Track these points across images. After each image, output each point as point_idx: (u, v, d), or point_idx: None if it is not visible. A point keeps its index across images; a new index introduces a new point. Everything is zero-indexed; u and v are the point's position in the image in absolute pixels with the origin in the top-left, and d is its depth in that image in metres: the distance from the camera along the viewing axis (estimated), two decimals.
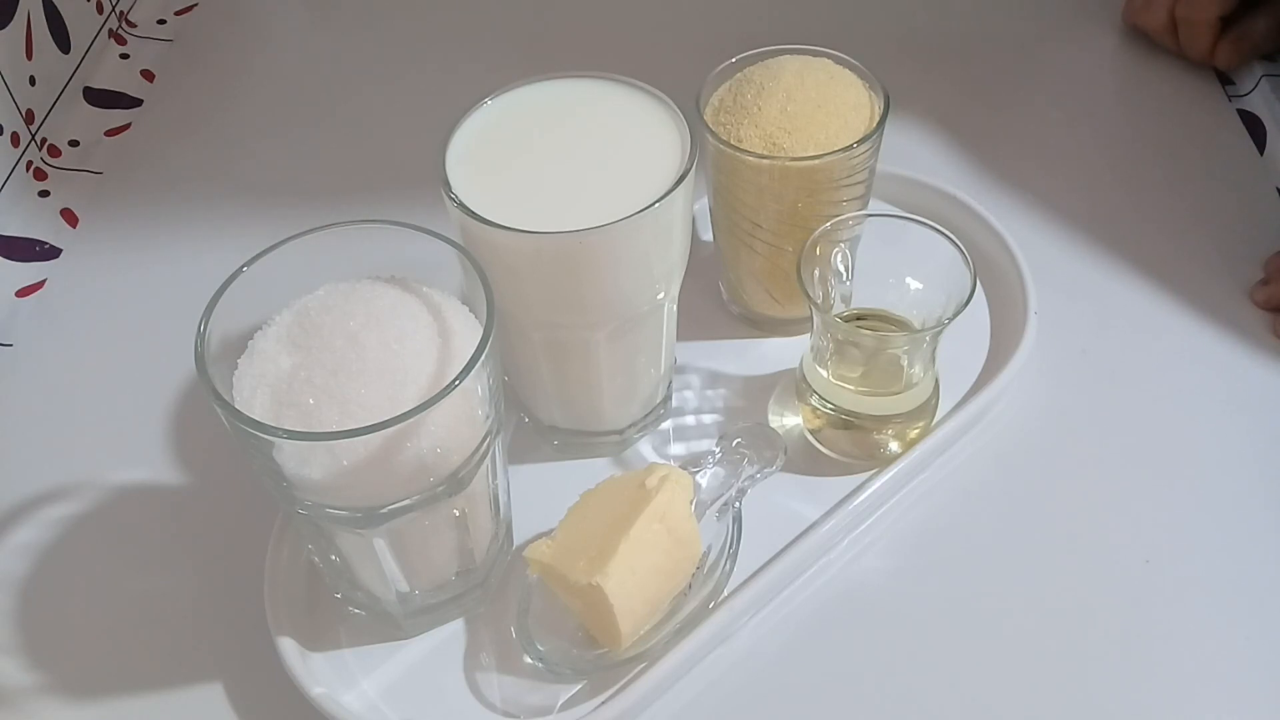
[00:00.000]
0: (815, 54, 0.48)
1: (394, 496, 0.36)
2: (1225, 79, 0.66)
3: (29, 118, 0.63)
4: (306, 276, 0.38)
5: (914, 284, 0.47)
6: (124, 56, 0.72)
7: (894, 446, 0.47)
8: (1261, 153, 0.61)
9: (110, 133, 0.67)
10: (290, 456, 0.34)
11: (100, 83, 0.69)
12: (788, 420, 0.50)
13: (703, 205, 0.51)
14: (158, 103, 0.69)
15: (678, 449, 0.49)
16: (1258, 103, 0.64)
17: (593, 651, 0.42)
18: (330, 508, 0.36)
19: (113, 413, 0.52)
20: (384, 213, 0.39)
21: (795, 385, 0.49)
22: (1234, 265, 0.55)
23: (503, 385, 0.39)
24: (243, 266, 0.37)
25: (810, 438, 0.49)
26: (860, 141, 0.45)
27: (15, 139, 0.62)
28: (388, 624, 0.43)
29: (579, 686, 0.42)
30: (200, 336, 0.35)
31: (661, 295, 0.43)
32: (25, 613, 0.45)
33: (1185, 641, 0.43)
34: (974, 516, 0.47)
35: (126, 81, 0.70)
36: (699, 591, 0.43)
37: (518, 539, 0.46)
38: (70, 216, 0.62)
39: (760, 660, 0.43)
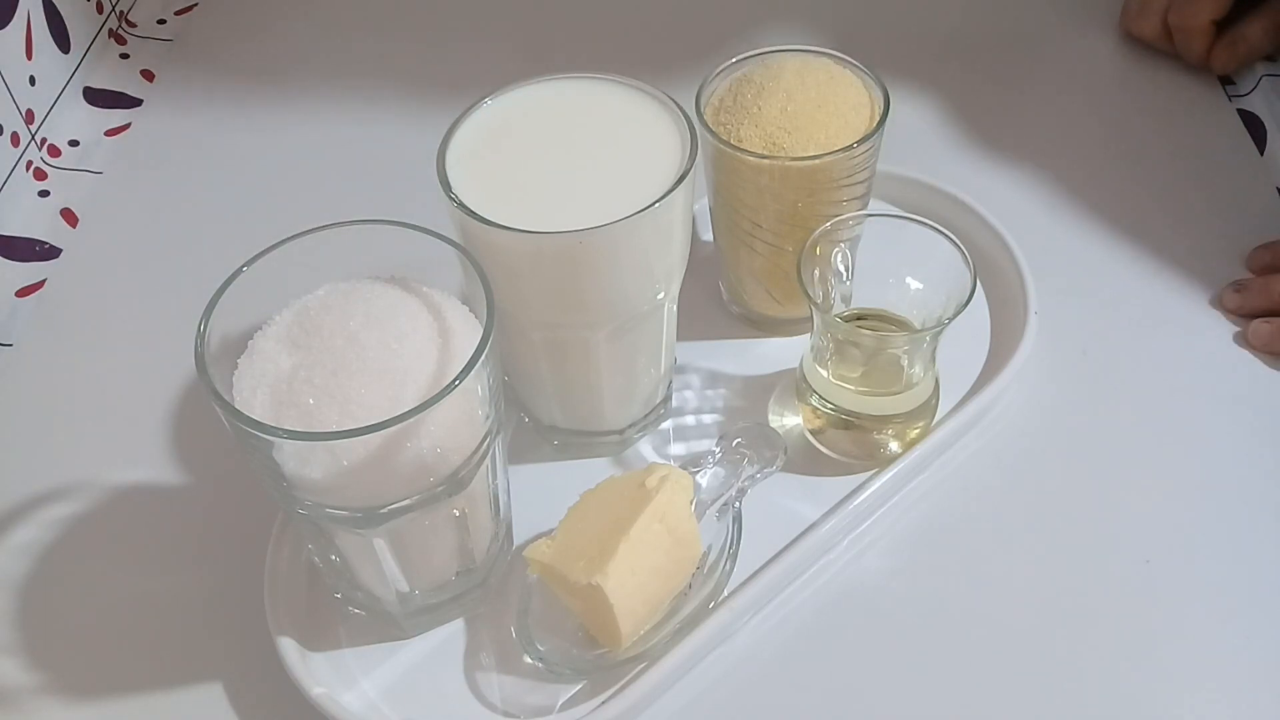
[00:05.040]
0: (815, 54, 0.48)
1: (394, 496, 0.36)
2: (1225, 79, 0.66)
3: (29, 118, 0.63)
4: (306, 276, 0.38)
5: (914, 284, 0.47)
6: (124, 56, 0.72)
7: (894, 446, 0.47)
8: (1261, 153, 0.61)
9: (110, 133, 0.67)
10: (290, 456, 0.34)
11: (100, 83, 0.69)
12: (788, 420, 0.50)
13: (703, 205, 0.51)
14: (158, 103, 0.69)
15: (678, 449, 0.49)
16: (1258, 103, 0.64)
17: (593, 651, 0.42)
18: (330, 508, 0.36)
19: (113, 413, 0.52)
20: (384, 213, 0.39)
21: (795, 385, 0.49)
22: (1234, 265, 0.55)
23: (503, 385, 0.39)
24: (243, 266, 0.37)
25: (810, 438, 0.49)
26: (860, 141, 0.45)
27: (15, 139, 0.62)
28: (388, 624, 0.43)
29: (579, 686, 0.42)
30: (200, 336, 0.35)
31: (661, 295, 0.43)
32: (25, 613, 0.45)
33: (1185, 641, 0.43)
34: (974, 516, 0.47)
35: (126, 81, 0.70)
36: (699, 591, 0.43)
37: (518, 539, 0.46)
38: (70, 216, 0.62)
39: (760, 660, 0.43)
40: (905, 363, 0.45)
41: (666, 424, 0.50)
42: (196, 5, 0.76)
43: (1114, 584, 0.44)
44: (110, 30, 0.72)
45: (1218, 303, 0.53)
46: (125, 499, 0.49)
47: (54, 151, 0.64)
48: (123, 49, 0.72)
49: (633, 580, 0.39)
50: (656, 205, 0.38)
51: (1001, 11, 0.72)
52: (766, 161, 0.45)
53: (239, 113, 0.68)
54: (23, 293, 0.58)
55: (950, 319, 0.43)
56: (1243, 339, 0.52)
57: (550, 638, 0.42)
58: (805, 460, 0.48)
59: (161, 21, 0.75)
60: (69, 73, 0.67)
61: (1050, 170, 0.61)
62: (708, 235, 0.55)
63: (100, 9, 0.71)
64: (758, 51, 0.49)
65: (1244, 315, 0.53)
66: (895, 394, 0.46)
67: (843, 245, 0.47)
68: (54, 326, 0.56)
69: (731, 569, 0.43)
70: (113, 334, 0.56)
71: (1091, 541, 0.46)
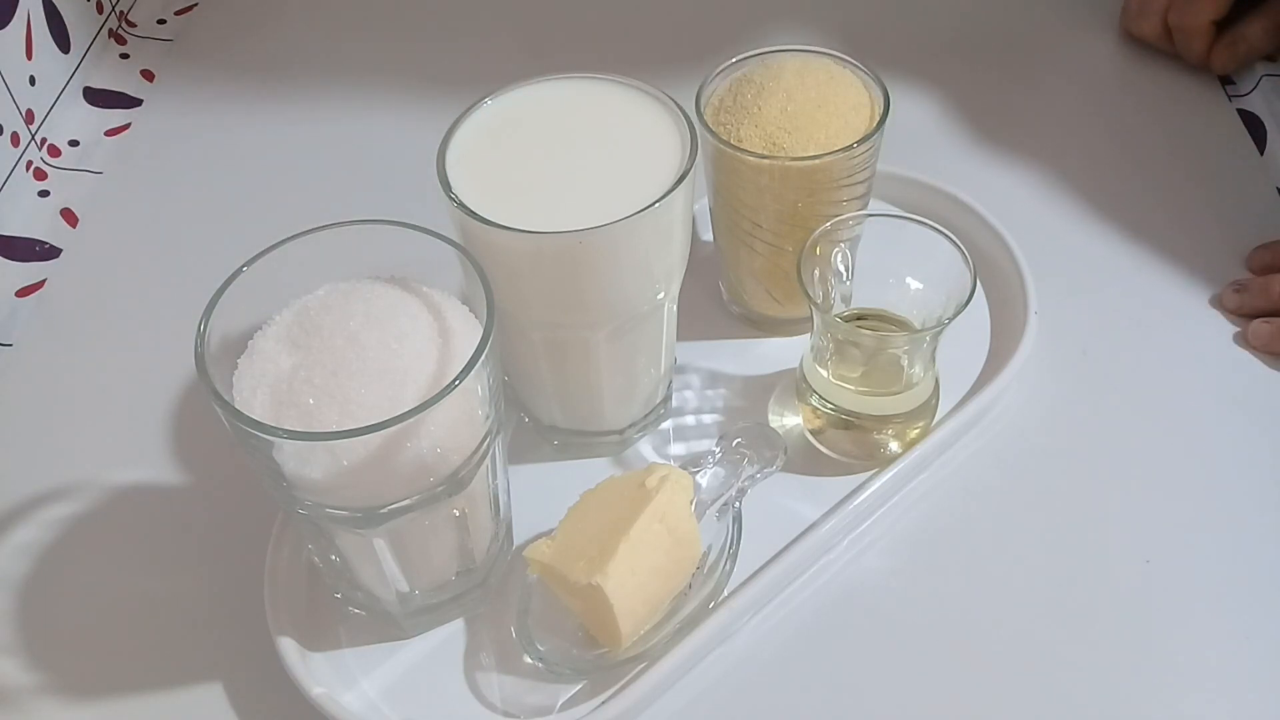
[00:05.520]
0: (815, 54, 0.48)
1: (394, 496, 0.36)
2: (1225, 79, 0.66)
3: (29, 118, 0.63)
4: (306, 276, 0.38)
5: (914, 284, 0.47)
6: (124, 56, 0.72)
7: (894, 446, 0.47)
8: (1261, 153, 0.61)
9: (110, 133, 0.67)
10: (290, 456, 0.34)
11: (100, 83, 0.69)
12: (788, 420, 0.50)
13: (703, 205, 0.51)
14: (158, 103, 0.69)
15: (678, 449, 0.49)
16: (1258, 103, 0.64)
17: (593, 651, 0.42)
18: (330, 508, 0.36)
19: (113, 413, 0.52)
20: (384, 213, 0.39)
21: (795, 385, 0.49)
22: (1234, 265, 0.55)
23: (503, 385, 0.39)
24: (243, 266, 0.37)
25: (810, 438, 0.49)
26: (860, 141, 0.45)
27: (15, 139, 0.62)
28: (388, 624, 0.43)
29: (579, 686, 0.42)
30: (200, 336, 0.35)
31: (661, 295, 0.43)
32: (25, 613, 0.45)
33: (1185, 641, 0.43)
34: (974, 516, 0.47)
35: (126, 81, 0.70)
36: (699, 591, 0.43)
37: (518, 539, 0.46)
38: (70, 216, 0.62)
39: (760, 660, 0.43)
40: (905, 363, 0.45)
41: (666, 424, 0.50)
42: (196, 5, 0.76)
43: (1114, 584, 0.44)
44: (110, 30, 0.72)
45: (1218, 303, 0.53)
46: (125, 499, 0.49)
47: (54, 151, 0.64)
48: (123, 49, 0.72)
49: (633, 580, 0.39)
50: (656, 205, 0.38)
51: (1001, 11, 0.72)
52: (766, 161, 0.45)
53: (239, 112, 0.68)
54: (23, 293, 0.58)
55: (950, 319, 0.43)
56: (1243, 339, 0.52)
57: (550, 638, 0.42)
58: (805, 460, 0.48)
59: (161, 21, 0.75)
60: (69, 73, 0.67)
61: (1050, 170, 0.61)
62: (708, 235, 0.55)
63: (100, 9, 0.71)
64: (758, 51, 0.49)
65: (1244, 315, 0.53)
66: (895, 394, 0.46)
67: (843, 245, 0.47)
68: (54, 326, 0.56)
69: (731, 569, 0.43)
70: (113, 334, 0.56)
71: (1091, 541, 0.46)
